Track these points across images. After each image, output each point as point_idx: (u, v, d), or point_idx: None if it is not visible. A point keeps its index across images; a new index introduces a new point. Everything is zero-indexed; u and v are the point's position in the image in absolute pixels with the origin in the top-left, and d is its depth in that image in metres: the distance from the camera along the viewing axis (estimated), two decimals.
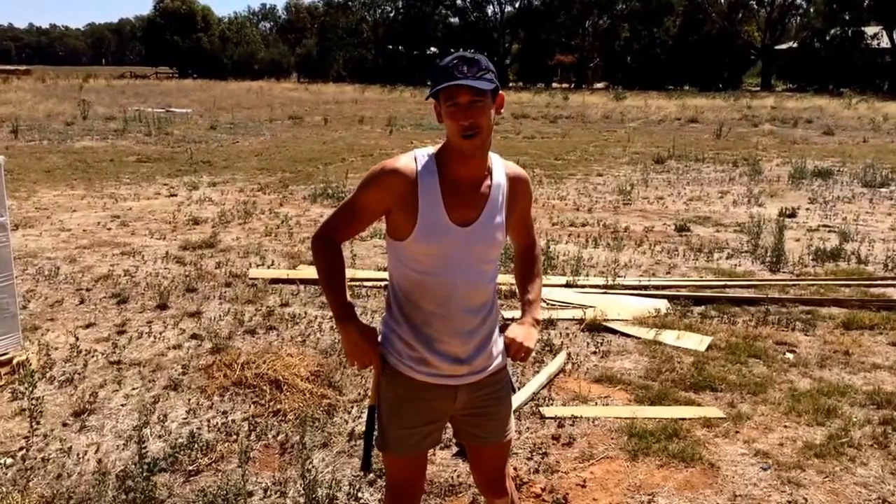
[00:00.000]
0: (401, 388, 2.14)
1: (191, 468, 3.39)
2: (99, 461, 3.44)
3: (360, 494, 3.24)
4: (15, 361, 4.36)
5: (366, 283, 6.33)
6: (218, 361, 4.55)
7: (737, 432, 3.87)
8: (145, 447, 3.41)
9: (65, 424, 3.82)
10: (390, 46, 67.16)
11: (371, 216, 2.12)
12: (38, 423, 3.65)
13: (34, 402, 3.85)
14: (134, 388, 4.25)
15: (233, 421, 3.86)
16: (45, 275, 6.50)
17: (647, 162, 15.02)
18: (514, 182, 2.15)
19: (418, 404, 2.15)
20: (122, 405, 4.05)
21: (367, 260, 7.19)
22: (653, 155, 15.77)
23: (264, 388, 4.13)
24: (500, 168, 2.13)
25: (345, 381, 4.31)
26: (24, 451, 3.51)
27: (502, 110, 2.07)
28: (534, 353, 4.78)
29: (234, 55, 70.75)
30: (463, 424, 2.27)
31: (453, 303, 2.06)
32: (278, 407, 3.98)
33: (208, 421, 3.86)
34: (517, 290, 2.36)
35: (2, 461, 3.40)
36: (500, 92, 2.04)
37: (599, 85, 60.22)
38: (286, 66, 72.09)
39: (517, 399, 4.13)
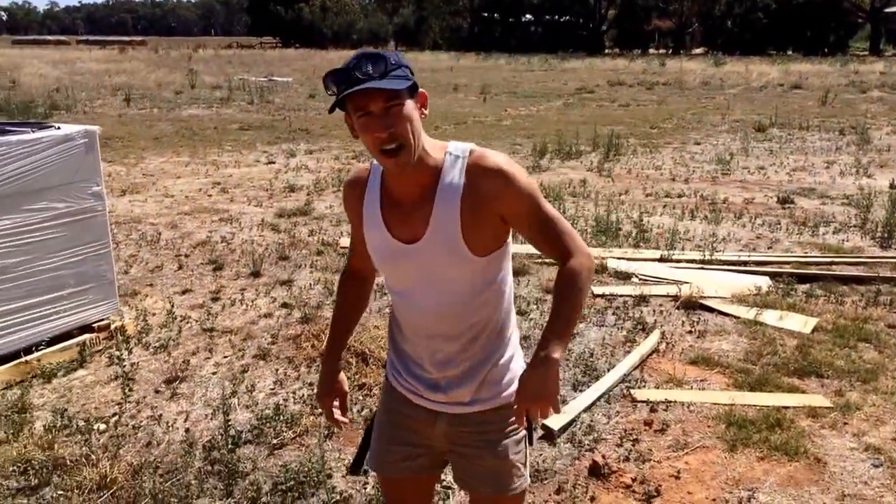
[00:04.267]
0: (387, 396, 1.96)
1: (275, 441, 3.39)
2: (187, 430, 3.49)
3: (442, 476, 3.16)
4: (112, 327, 4.50)
5: None
6: (306, 331, 4.57)
7: (845, 424, 3.60)
8: (231, 419, 3.45)
9: (157, 391, 3.91)
10: (486, 14, 66.34)
11: (359, 234, 1.86)
12: (131, 389, 3.74)
13: (129, 368, 3.97)
14: (225, 357, 4.32)
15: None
16: (147, 240, 6.71)
17: (747, 130, 14.30)
18: (476, 178, 1.68)
19: (399, 419, 1.92)
20: (213, 373, 4.11)
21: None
22: (754, 123, 15.01)
23: (350, 360, 4.11)
24: (457, 165, 1.70)
25: None
26: (117, 417, 3.61)
27: (426, 110, 1.69)
28: (624, 334, 4.61)
29: (334, 25, 71.46)
30: (452, 464, 1.95)
31: (420, 328, 1.80)
32: (363, 381, 3.95)
33: (294, 392, 3.86)
34: None
35: (96, 427, 3.49)
36: (421, 90, 1.67)
37: (698, 51, 57.76)
38: (384, 35, 72.38)
39: (607, 380, 3.97)
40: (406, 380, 1.87)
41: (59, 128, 4.23)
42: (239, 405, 3.72)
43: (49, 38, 79.59)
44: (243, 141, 12.99)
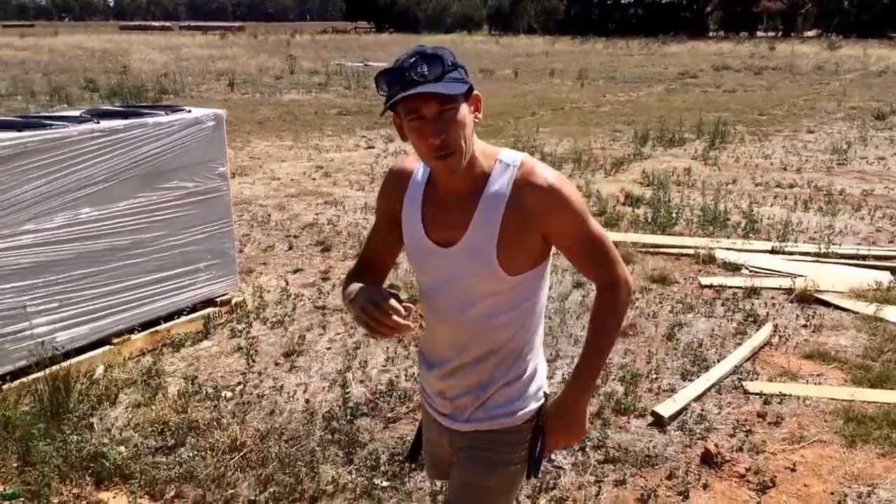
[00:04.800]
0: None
1: (389, 415, 3.53)
2: (307, 401, 3.67)
3: (552, 456, 3.22)
4: (233, 302, 4.74)
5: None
6: (414, 312, 4.68)
7: None
8: (349, 392, 3.60)
9: (276, 364, 4.10)
10: None
11: (384, 226, 1.80)
12: (254, 361, 3.94)
13: (250, 340, 4.18)
14: (337, 334, 4.49)
15: None
16: (258, 221, 6.99)
17: (865, 118, 13.64)
18: (523, 192, 1.59)
19: (426, 426, 1.94)
20: (327, 349, 4.28)
21: None
22: (873, 110, 14.30)
23: None
24: (506, 174, 1.62)
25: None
26: (242, 386, 3.81)
27: (480, 113, 1.62)
28: (734, 325, 4.54)
29: (428, 9, 71.82)
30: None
31: (438, 333, 1.75)
32: None
33: (405, 370, 3.99)
34: None
35: (223, 394, 3.71)
36: (476, 92, 1.60)
37: (810, 33, 55.28)
38: (477, 18, 72.26)
39: (718, 370, 3.93)
40: (423, 389, 1.87)
41: (189, 111, 4.46)
42: (353, 380, 3.87)
43: (154, 24, 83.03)
44: (342, 125, 13.28)
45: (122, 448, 3.18)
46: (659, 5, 61.63)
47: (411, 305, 1.56)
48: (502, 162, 1.63)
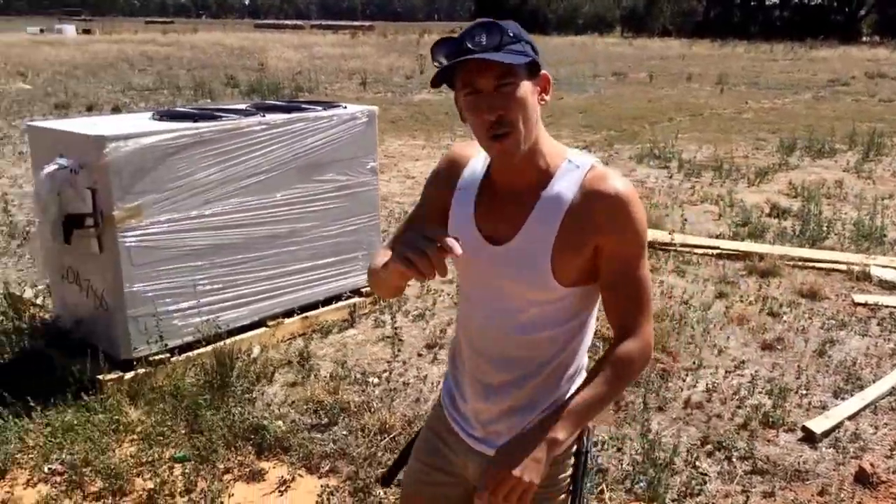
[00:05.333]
0: (435, 415, 1.76)
1: None
2: None
3: (697, 463, 3.18)
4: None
5: (696, 251, 6.10)
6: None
7: None
8: None
9: (419, 355, 4.24)
10: None
11: (432, 216, 1.59)
12: (399, 350, 4.09)
13: (395, 331, 4.33)
14: None
15: None
16: (395, 217, 7.21)
17: None
18: (590, 198, 1.43)
19: (439, 444, 1.70)
20: None
21: (698, 226, 6.91)
22: None
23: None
24: (573, 176, 1.45)
25: (679, 347, 4.23)
26: (388, 373, 3.96)
27: (547, 96, 1.44)
28: (891, 346, 4.30)
29: (559, 9, 71.34)
30: None
31: (473, 341, 1.57)
32: None
33: None
34: None
35: (371, 380, 3.87)
36: (543, 71, 1.43)
37: None
38: (610, 19, 71.14)
39: (874, 390, 3.75)
40: (452, 405, 1.67)
41: (345, 107, 4.68)
42: None
43: (287, 22, 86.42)
44: None
45: (279, 423, 3.39)
46: (807, 7, 58.61)
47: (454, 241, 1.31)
48: (571, 162, 1.47)
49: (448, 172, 1.60)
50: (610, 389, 1.45)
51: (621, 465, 3.17)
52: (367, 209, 4.83)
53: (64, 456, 3.15)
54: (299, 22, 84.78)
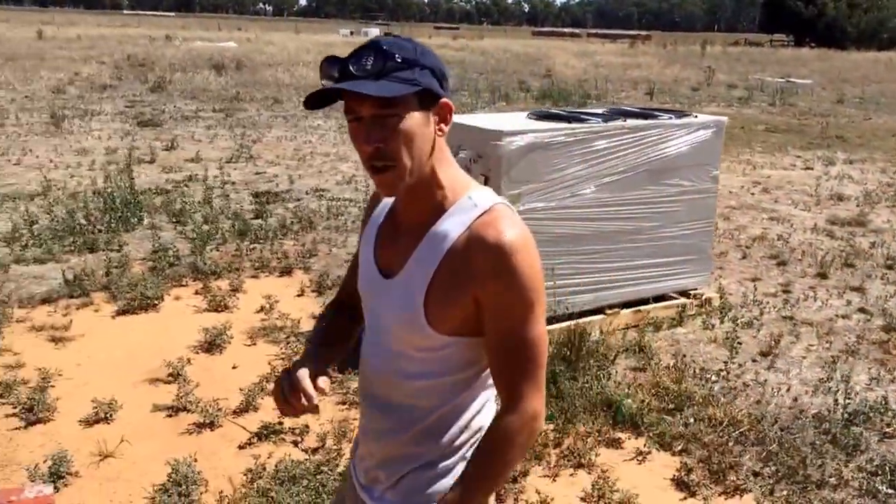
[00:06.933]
0: (345, 476, 1.67)
1: (887, 430, 3.58)
2: (794, 399, 3.87)
3: None
4: (703, 297, 5.09)
5: None
6: (893, 340, 4.60)
7: None
8: (848, 400, 3.71)
9: (753, 360, 4.36)
10: None
11: (358, 254, 1.54)
12: (736, 353, 4.25)
13: (729, 334, 4.49)
14: (811, 345, 4.59)
15: None
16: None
17: None
18: (471, 244, 1.29)
19: (344, 482, 1.64)
20: (803, 357, 4.43)
21: None
22: None
23: None
24: (467, 213, 1.32)
25: None
26: (725, 373, 4.14)
27: (446, 126, 1.32)
28: None
29: (861, 23, 65.28)
30: None
31: (365, 382, 1.48)
32: None
33: (894, 391, 3.98)
34: None
35: (708, 377, 4.07)
36: (444, 98, 1.30)
37: None
38: None
39: None
40: (355, 448, 1.59)
41: (696, 116, 4.90)
42: (839, 390, 3.97)
43: (564, 30, 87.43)
44: (772, 143, 12.92)
45: (629, 401, 3.71)
46: None
47: (325, 385, 1.38)
48: (471, 199, 1.34)
49: (369, 210, 1.53)
50: (493, 469, 1.32)
51: None
52: (704, 214, 5.02)
53: None
54: (576, 30, 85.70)
